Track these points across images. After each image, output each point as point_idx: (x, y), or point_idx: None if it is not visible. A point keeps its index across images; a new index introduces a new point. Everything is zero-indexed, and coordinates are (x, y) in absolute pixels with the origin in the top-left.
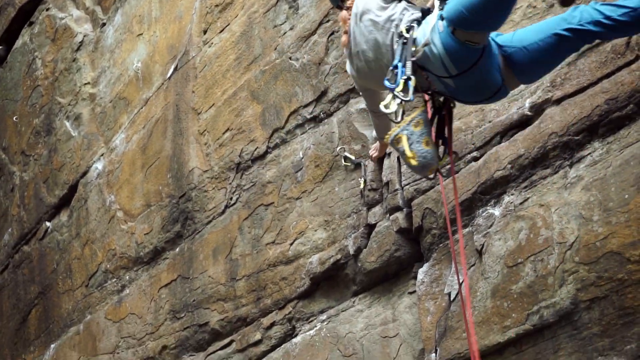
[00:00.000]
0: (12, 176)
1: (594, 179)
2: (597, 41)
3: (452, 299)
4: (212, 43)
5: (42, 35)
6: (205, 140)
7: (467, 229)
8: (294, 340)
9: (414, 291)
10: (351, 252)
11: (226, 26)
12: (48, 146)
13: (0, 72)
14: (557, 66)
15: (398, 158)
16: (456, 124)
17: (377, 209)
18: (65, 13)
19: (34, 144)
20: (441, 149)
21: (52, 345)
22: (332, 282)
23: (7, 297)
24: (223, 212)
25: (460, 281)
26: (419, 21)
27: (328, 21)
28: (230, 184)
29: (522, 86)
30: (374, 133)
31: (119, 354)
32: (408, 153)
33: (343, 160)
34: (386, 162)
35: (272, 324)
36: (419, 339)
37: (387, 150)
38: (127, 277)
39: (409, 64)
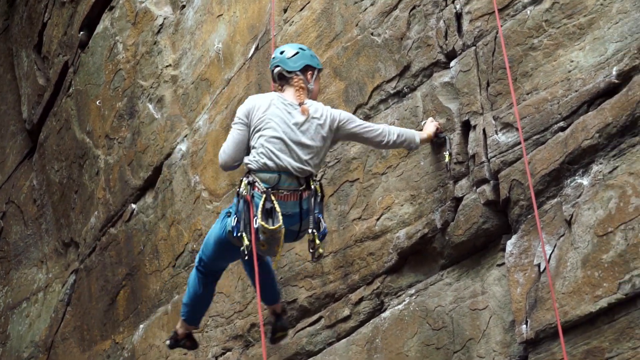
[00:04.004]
0: (97, 160)
1: None
2: None
3: (541, 270)
4: (292, 21)
5: (123, 19)
6: None
7: (555, 199)
8: (383, 315)
9: (503, 263)
10: (438, 225)
11: (307, 4)
12: (132, 129)
13: (82, 57)
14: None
15: (484, 130)
16: (542, 94)
17: (463, 182)
18: None
19: (118, 127)
20: None
21: (141, 326)
22: (420, 256)
23: (95, 279)
24: None
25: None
26: None
27: None
28: None
29: (608, 53)
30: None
31: (207, 333)
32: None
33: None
34: (472, 134)
35: (361, 300)
36: (509, 311)
37: (472, 123)
38: None
39: None
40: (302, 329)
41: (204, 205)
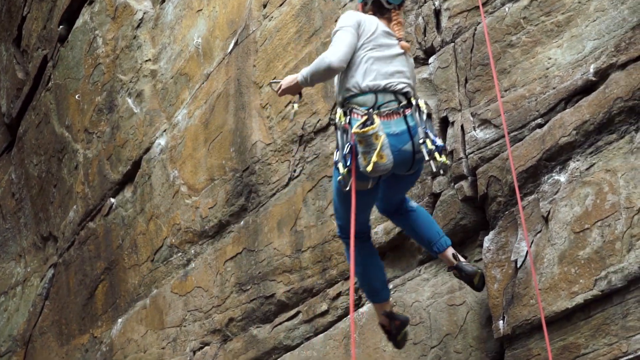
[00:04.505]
0: (76, 154)
1: None
2: None
3: (518, 266)
4: (272, 17)
5: (103, 13)
6: (267, 113)
7: (532, 196)
8: (361, 310)
9: (480, 259)
10: None
11: (286, 0)
12: (111, 123)
13: (61, 51)
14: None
15: (462, 127)
16: (520, 91)
17: (441, 178)
18: None
19: (97, 121)
20: None
21: (120, 320)
22: (398, 252)
23: (73, 273)
24: (287, 184)
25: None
26: None
27: None
28: (293, 156)
29: (586, 50)
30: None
31: (185, 327)
32: (378, 153)
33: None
34: (450, 131)
35: (339, 295)
36: (486, 307)
37: (451, 119)
38: (193, 251)
39: None
40: (280, 323)
41: (183, 199)
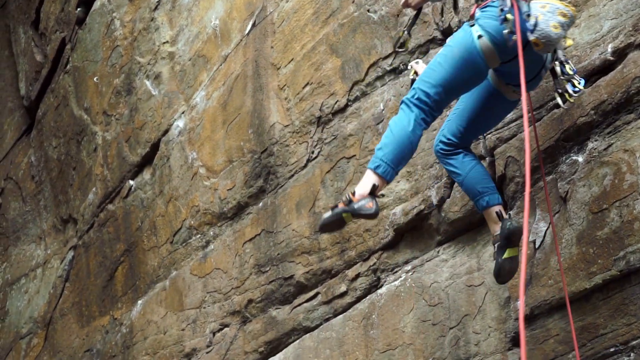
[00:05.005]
0: (95, 136)
1: None
2: None
3: (537, 246)
4: None
5: None
6: (285, 95)
7: (551, 176)
8: (379, 291)
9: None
10: (434, 202)
11: None
12: (129, 105)
13: (79, 34)
14: None
15: None
16: None
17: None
18: None
19: (115, 103)
20: None
21: (139, 302)
22: (416, 233)
23: (93, 255)
24: (305, 166)
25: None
26: None
27: None
28: (311, 137)
29: (604, 30)
30: None
31: (205, 309)
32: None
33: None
34: None
35: (357, 276)
36: (504, 287)
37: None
38: (212, 233)
39: None
40: (299, 305)
41: (202, 181)
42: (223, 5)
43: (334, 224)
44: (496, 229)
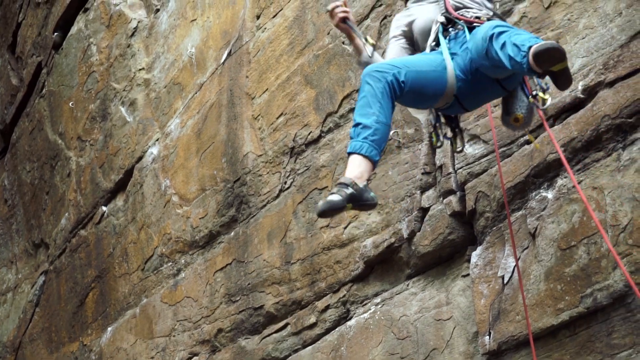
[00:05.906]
0: (69, 161)
1: None
2: None
3: (505, 282)
4: (265, 28)
5: (97, 21)
6: (259, 124)
7: (520, 212)
8: (349, 323)
9: (468, 274)
10: (405, 235)
11: (279, 11)
12: (104, 131)
13: (56, 59)
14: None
15: (451, 142)
16: None
17: (430, 193)
18: None
19: (90, 129)
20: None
21: (109, 328)
22: (386, 266)
23: (64, 280)
24: (277, 196)
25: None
26: None
27: (380, 5)
28: (284, 168)
29: (575, 68)
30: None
31: (174, 337)
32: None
33: None
34: None
35: (327, 307)
36: (472, 322)
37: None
38: (183, 261)
39: None
40: (269, 335)
41: (174, 209)
42: (199, 33)
43: (335, 212)
44: None
